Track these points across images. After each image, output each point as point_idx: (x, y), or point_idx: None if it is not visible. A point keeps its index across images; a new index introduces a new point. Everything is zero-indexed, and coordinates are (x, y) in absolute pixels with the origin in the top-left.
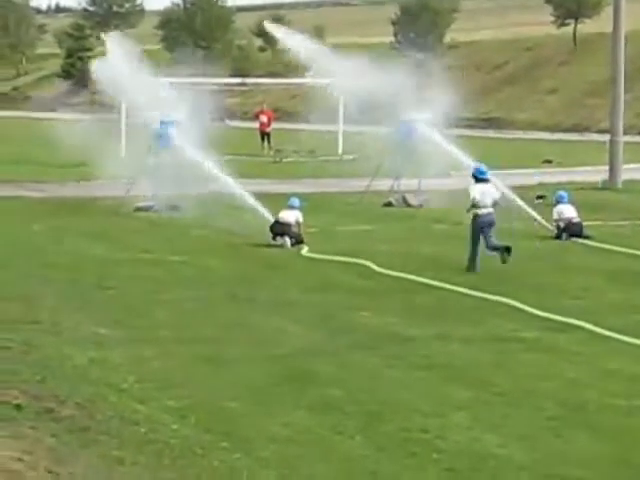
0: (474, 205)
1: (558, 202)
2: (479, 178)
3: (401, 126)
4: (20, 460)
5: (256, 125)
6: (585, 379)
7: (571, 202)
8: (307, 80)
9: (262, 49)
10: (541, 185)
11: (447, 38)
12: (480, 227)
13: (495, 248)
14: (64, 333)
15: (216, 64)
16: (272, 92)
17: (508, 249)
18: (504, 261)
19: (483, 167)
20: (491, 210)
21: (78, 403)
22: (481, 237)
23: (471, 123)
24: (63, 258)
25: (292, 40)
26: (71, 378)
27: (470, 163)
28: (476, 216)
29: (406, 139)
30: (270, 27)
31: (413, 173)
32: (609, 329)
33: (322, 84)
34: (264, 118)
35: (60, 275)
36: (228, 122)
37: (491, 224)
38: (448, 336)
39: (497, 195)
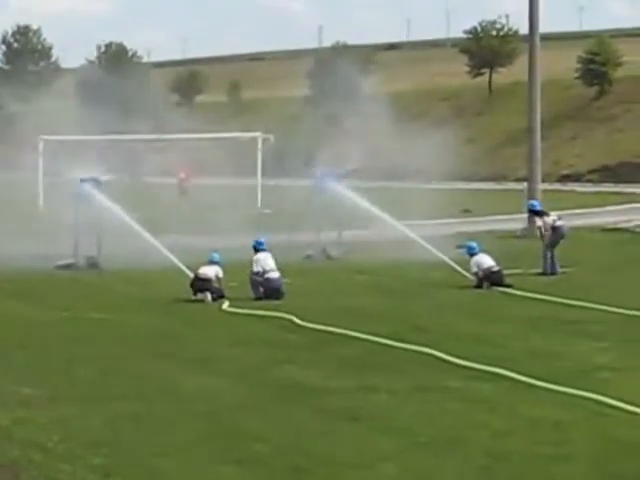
0: (258, 274)
1: (471, 254)
2: (259, 249)
3: (317, 179)
4: None
5: (175, 180)
6: (510, 428)
7: (484, 251)
8: (230, 135)
9: (178, 104)
10: (461, 234)
11: (364, 89)
12: (274, 292)
13: None
14: None
15: (133, 121)
16: (191, 147)
17: None
18: None
19: (262, 239)
20: (278, 275)
21: (2, 464)
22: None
23: (388, 174)
24: None
25: None
26: None
27: (380, 215)
28: (267, 280)
29: (323, 192)
30: None
31: (333, 225)
32: (532, 377)
33: (245, 138)
34: (182, 174)
35: None
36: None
37: (280, 288)
38: (372, 387)
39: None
